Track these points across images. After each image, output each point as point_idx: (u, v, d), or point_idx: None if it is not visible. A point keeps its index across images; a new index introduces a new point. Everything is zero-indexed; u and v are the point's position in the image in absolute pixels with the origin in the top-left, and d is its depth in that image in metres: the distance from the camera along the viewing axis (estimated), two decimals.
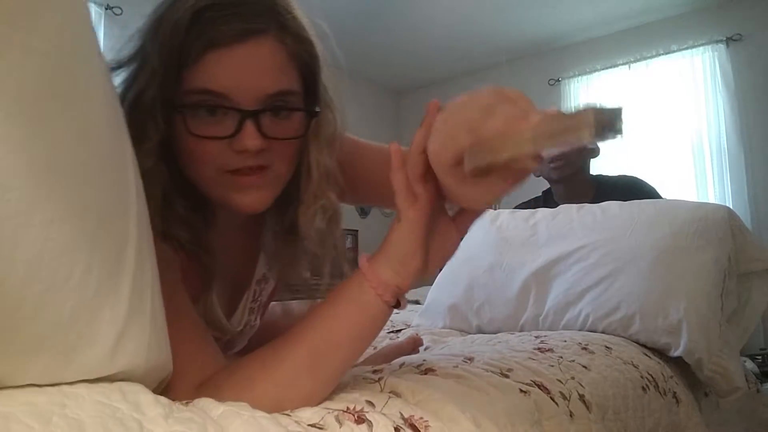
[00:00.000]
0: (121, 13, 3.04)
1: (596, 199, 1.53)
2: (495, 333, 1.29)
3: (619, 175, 1.81)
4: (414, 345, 1.21)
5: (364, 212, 4.78)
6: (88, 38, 0.43)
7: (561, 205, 1.56)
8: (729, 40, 3.61)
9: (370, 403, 0.52)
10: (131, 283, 0.42)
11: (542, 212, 1.53)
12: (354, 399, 0.52)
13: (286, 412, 0.49)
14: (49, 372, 0.37)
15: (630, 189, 1.55)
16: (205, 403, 0.45)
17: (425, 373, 0.67)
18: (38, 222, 0.35)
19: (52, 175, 0.36)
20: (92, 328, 0.39)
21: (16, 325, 0.35)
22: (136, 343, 0.42)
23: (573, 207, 1.49)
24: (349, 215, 4.63)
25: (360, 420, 0.48)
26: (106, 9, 3.04)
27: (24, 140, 0.35)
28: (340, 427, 0.47)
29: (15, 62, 0.35)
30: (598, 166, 1.82)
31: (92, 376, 0.40)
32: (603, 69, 4.05)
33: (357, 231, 4.46)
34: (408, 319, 1.73)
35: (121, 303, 0.41)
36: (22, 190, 0.34)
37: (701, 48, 3.70)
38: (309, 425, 0.46)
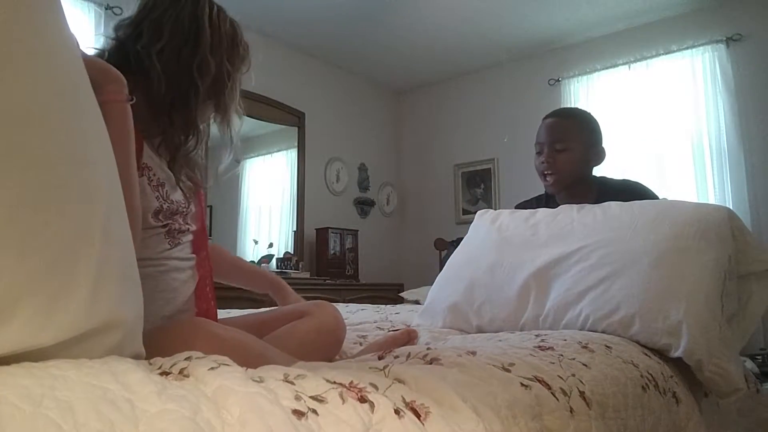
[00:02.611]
0: (121, 13, 3.05)
1: (597, 203, 1.52)
2: (495, 332, 1.29)
3: (622, 180, 1.79)
4: (408, 337, 1.22)
5: (364, 212, 4.78)
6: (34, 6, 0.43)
7: (561, 206, 1.55)
8: (729, 40, 3.62)
9: (374, 386, 0.52)
10: (101, 235, 0.43)
11: (542, 212, 1.53)
12: (359, 377, 0.53)
13: (290, 380, 0.49)
14: (30, 327, 0.37)
15: (631, 195, 1.54)
16: (199, 375, 0.44)
17: (430, 363, 0.67)
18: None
19: (18, 129, 0.37)
20: (70, 276, 0.39)
21: None
22: (110, 291, 0.43)
23: (573, 207, 1.48)
24: (349, 215, 4.64)
25: (363, 399, 0.48)
26: (106, 9, 3.04)
27: None
28: (343, 404, 0.47)
29: None
30: (600, 168, 1.80)
31: (73, 333, 0.40)
32: (603, 69, 4.06)
33: (357, 231, 4.46)
34: (408, 319, 1.73)
35: (93, 253, 0.42)
36: None
37: (701, 48, 3.70)
38: (311, 397, 0.46)
